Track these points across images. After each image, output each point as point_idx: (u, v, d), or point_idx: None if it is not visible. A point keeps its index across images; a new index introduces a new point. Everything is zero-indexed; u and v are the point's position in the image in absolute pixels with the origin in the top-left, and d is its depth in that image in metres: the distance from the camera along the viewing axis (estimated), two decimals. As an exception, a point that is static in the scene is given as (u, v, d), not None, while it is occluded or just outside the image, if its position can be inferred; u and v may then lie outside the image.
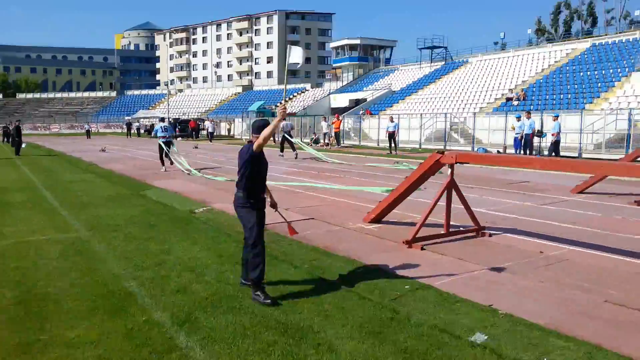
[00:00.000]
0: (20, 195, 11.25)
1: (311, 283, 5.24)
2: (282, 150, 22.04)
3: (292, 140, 21.74)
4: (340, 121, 28.01)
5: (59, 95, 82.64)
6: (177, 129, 41.86)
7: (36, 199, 10.81)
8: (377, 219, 7.80)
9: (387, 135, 22.74)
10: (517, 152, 20.32)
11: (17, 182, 13.73)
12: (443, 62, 51.07)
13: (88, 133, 48.47)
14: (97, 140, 41.83)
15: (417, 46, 66.42)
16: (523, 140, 20.53)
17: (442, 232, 7.04)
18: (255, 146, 4.65)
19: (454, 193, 6.83)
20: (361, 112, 41.03)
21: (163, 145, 16.53)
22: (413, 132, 30.53)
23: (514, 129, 21.03)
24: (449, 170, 6.74)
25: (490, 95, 37.76)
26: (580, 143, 22.70)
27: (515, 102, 33.84)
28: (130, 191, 11.95)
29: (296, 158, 20.44)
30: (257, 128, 4.72)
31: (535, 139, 21.33)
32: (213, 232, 7.50)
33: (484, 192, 11.72)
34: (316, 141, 31.15)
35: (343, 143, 27.91)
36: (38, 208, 9.66)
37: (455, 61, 50.53)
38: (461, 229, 7.35)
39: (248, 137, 42.67)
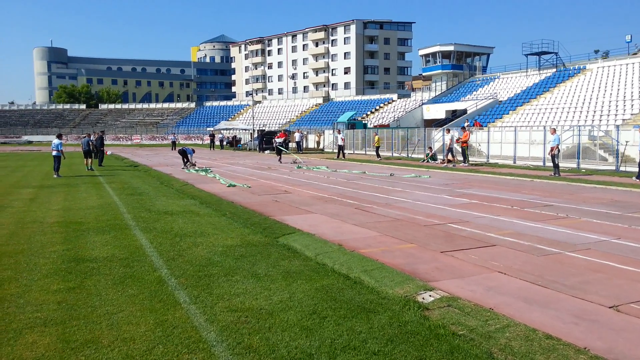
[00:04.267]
0: (104, 243, 7.28)
1: None
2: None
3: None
4: (470, 133, 22.72)
5: (139, 106, 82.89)
6: (263, 141, 38.77)
7: (128, 252, 6.76)
8: None
9: (551, 151, 17.47)
10: None
11: (99, 213, 9.92)
12: (554, 69, 45.96)
13: (174, 144, 45.94)
14: (179, 152, 39.11)
15: (523, 52, 60.36)
16: None
17: None
18: None
19: None
20: (466, 123, 36.08)
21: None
22: (536, 148, 24.70)
23: None
24: None
25: (632, 105, 31.83)
26: None
27: (672, 113, 27.89)
28: (261, 236, 7.73)
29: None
30: None
31: None
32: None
33: None
34: (433, 157, 25.93)
35: (469, 161, 22.54)
36: (133, 279, 5.53)
37: (568, 68, 45.06)
38: None
39: (341, 150, 38.70)
